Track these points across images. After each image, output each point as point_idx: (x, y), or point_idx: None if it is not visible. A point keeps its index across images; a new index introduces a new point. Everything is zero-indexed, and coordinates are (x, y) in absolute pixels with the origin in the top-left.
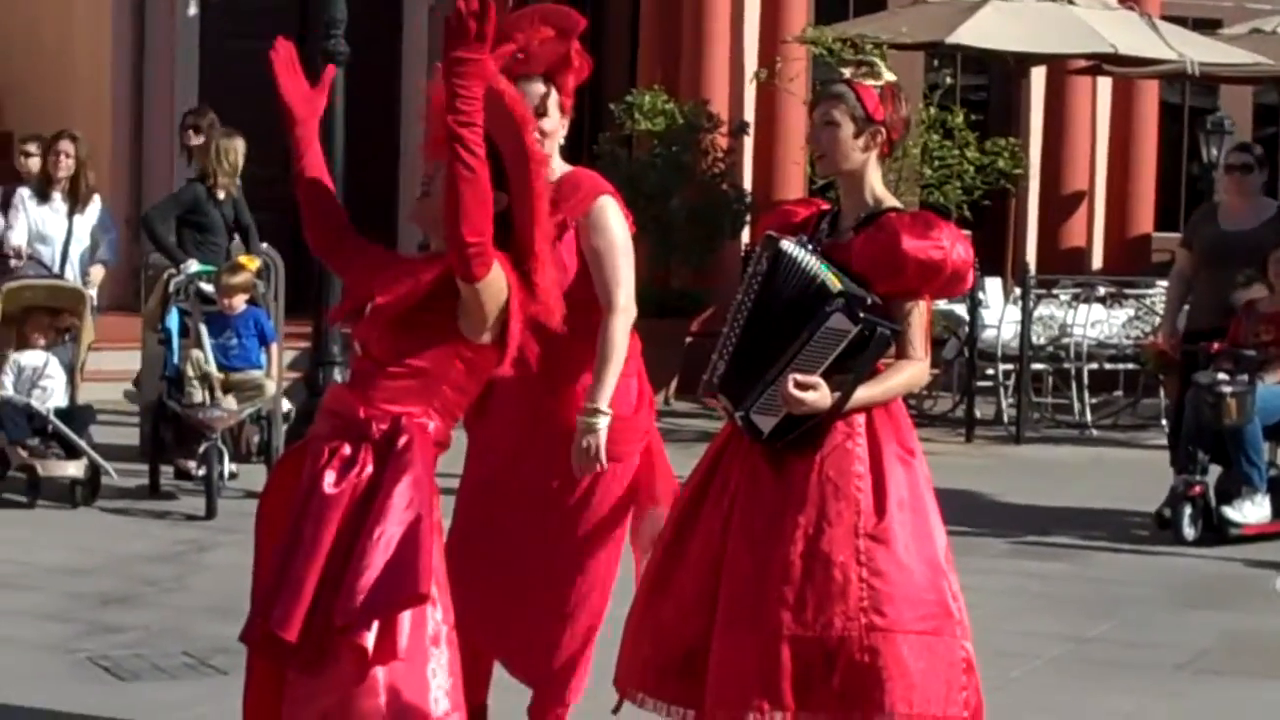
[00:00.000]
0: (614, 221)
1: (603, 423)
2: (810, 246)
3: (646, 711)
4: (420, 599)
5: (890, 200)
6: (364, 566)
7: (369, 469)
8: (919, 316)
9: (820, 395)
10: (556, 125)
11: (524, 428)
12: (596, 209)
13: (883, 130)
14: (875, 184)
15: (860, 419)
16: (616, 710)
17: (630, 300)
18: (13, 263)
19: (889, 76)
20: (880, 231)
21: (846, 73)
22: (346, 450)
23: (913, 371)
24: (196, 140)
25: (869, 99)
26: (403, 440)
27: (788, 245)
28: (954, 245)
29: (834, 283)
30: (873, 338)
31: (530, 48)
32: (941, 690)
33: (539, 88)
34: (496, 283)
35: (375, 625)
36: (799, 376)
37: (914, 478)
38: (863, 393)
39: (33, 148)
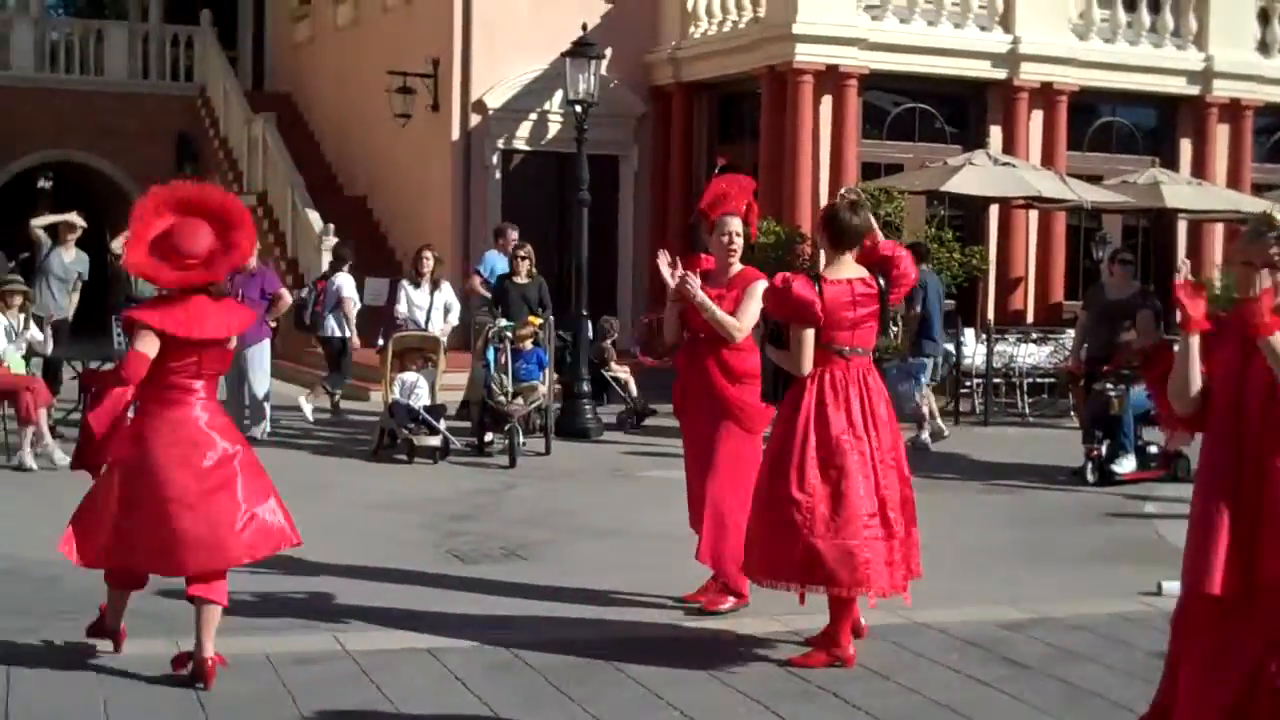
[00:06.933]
0: (759, 291)
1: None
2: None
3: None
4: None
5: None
6: None
7: None
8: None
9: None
10: (743, 242)
11: (697, 402)
12: (754, 285)
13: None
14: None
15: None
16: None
17: (748, 321)
18: (399, 323)
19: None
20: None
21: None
22: None
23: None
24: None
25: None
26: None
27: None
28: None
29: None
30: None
31: (730, 195)
32: None
33: (736, 221)
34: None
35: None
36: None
37: None
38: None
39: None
